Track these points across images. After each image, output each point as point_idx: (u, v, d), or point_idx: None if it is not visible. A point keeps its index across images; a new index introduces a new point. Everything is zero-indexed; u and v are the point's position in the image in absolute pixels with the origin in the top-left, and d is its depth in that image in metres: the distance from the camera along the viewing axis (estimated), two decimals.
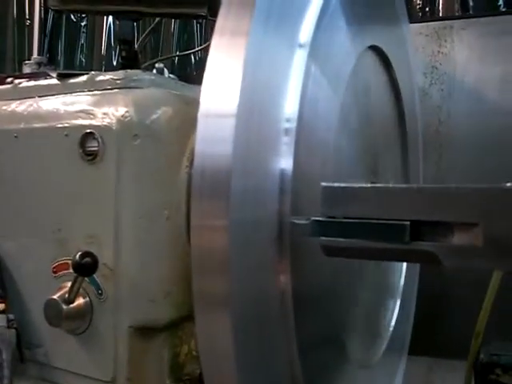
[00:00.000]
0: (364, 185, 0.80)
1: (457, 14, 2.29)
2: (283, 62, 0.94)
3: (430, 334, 2.13)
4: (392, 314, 1.62)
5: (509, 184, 0.75)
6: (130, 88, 1.33)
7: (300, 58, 0.96)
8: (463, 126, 2.13)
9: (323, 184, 0.82)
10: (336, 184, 0.81)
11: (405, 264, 1.70)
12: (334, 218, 0.81)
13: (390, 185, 0.79)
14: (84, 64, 3.03)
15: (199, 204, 0.82)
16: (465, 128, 2.13)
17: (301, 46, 0.97)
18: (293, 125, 0.93)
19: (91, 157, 1.27)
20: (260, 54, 0.86)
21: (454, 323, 2.10)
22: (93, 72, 1.41)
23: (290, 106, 0.93)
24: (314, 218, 0.83)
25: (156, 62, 1.74)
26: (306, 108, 0.95)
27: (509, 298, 1.50)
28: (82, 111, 1.32)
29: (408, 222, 0.76)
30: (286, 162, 0.91)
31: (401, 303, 1.67)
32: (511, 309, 1.73)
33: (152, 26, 2.03)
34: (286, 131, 0.92)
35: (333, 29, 1.07)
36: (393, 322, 1.61)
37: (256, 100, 0.86)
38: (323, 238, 0.82)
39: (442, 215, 0.76)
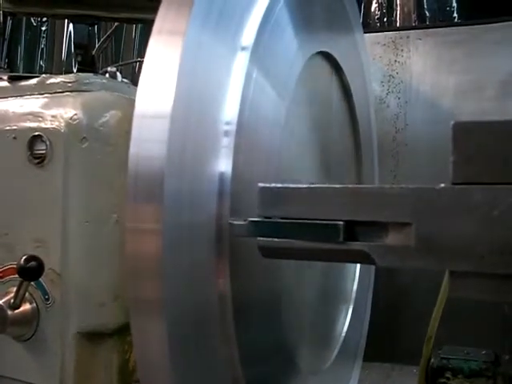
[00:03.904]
0: (300, 185, 0.80)
1: (413, 24, 2.33)
2: (223, 64, 0.93)
3: (388, 341, 2.14)
4: (344, 320, 1.63)
5: (442, 185, 0.76)
6: (80, 91, 1.32)
7: (242, 60, 0.95)
8: (419, 134, 2.17)
9: (260, 184, 0.82)
10: (273, 184, 0.81)
11: (358, 270, 1.71)
12: (270, 218, 0.81)
13: (326, 185, 0.79)
14: (44, 69, 3.01)
15: (133, 207, 0.81)
16: (421, 136, 2.16)
17: (243, 48, 0.96)
18: (232, 128, 0.92)
19: (39, 160, 1.26)
20: (198, 55, 0.86)
21: (412, 330, 2.11)
22: (44, 75, 1.40)
23: (230, 109, 0.92)
24: (250, 219, 0.82)
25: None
26: (247, 111, 0.95)
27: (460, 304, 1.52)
28: (30, 114, 1.30)
29: (342, 222, 0.77)
30: (225, 165, 0.90)
31: (354, 309, 1.67)
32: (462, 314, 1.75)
33: (110, 31, 2.02)
34: (226, 134, 0.91)
35: (278, 32, 1.07)
36: (345, 328, 1.61)
37: (193, 101, 0.85)
38: (260, 239, 0.82)
39: (376, 215, 0.76)
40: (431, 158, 2.11)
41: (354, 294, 1.67)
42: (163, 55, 0.84)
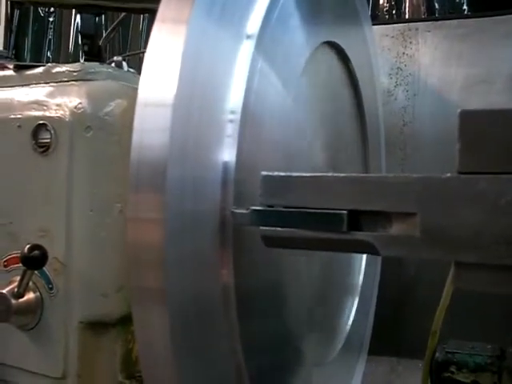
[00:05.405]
0: (303, 174, 0.79)
1: (423, 16, 2.31)
2: (228, 52, 0.92)
3: (393, 335, 2.13)
4: (350, 312, 1.62)
5: (447, 174, 0.75)
6: (86, 80, 1.31)
7: (247, 49, 0.94)
8: (427, 126, 2.15)
9: (263, 173, 0.81)
10: (276, 173, 0.81)
11: (364, 262, 1.70)
12: (273, 207, 0.80)
13: (329, 174, 0.78)
14: (51, 60, 3.01)
15: (135, 196, 0.80)
16: (429, 129, 2.15)
17: (248, 37, 0.95)
18: (237, 117, 0.91)
19: (44, 148, 1.25)
20: (202, 43, 0.85)
21: (417, 324, 2.10)
22: (49, 64, 1.39)
23: (235, 98, 0.91)
24: (253, 208, 0.82)
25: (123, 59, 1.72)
26: (252, 100, 0.94)
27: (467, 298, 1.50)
28: (35, 102, 1.30)
29: (345, 212, 0.76)
30: (229, 154, 0.89)
31: (359, 301, 1.66)
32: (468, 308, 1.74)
33: (117, 21, 2.01)
34: (230, 123, 0.91)
35: (284, 21, 1.06)
36: (350, 320, 1.60)
37: (197, 89, 0.84)
38: (262, 228, 0.82)
39: (381, 205, 0.75)
40: (439, 151, 2.09)
41: (359, 287, 1.66)
42: (166, 43, 0.83)
